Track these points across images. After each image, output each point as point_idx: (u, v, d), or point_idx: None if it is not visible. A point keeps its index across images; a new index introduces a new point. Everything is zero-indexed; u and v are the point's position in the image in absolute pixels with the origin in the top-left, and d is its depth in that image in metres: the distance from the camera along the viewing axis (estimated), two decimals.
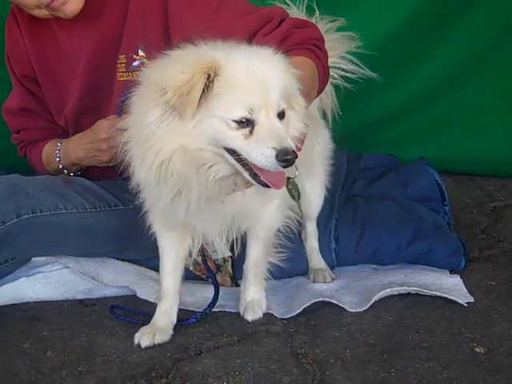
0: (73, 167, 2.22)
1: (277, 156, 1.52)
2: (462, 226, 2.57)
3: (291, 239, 2.05)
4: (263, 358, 1.76)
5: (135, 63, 2.05)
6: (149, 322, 1.90)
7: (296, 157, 1.54)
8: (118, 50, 2.03)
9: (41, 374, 1.71)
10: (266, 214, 1.90)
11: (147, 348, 1.82)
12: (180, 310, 1.99)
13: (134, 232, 2.07)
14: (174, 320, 1.92)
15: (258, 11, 1.99)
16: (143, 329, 1.87)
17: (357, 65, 2.33)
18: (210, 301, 1.98)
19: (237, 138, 1.56)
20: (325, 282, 2.16)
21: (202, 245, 2.03)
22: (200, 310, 1.97)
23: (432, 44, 3.01)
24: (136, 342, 1.83)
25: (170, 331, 1.88)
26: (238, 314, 1.99)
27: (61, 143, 2.22)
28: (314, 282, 2.17)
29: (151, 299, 2.02)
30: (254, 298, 1.97)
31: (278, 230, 1.99)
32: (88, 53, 2.09)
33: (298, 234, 2.20)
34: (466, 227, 2.57)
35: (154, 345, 1.83)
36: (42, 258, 2.16)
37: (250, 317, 1.95)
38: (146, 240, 1.99)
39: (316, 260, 2.23)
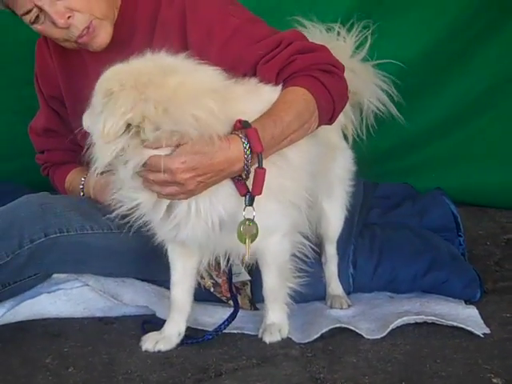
0: None
1: None
2: (475, 257, 2.60)
3: (310, 263, 2.07)
4: (283, 381, 1.77)
5: None
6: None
7: None
8: None
9: None
10: (270, 247, 1.93)
11: (168, 368, 1.84)
12: (199, 331, 2.03)
13: (154, 255, 2.09)
14: (182, 330, 1.96)
15: (271, 36, 1.96)
16: (151, 334, 1.94)
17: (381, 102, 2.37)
18: (225, 318, 2.00)
19: None
20: (341, 309, 2.18)
21: (230, 266, 2.10)
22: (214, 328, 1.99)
23: (450, 74, 3.07)
24: (142, 345, 1.93)
25: (175, 340, 1.94)
26: (257, 336, 2.01)
27: (84, 178, 2.23)
28: (331, 307, 2.20)
29: None
30: (275, 322, 1.99)
31: (294, 255, 2.02)
32: None
33: (318, 256, 2.24)
34: (479, 259, 2.59)
35: (158, 351, 1.91)
36: (63, 275, 2.19)
37: (267, 339, 1.96)
38: (165, 262, 2.04)
39: (334, 286, 2.26)
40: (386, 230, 2.44)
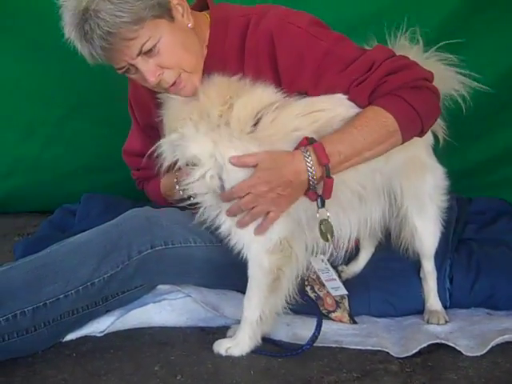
0: None
1: None
2: None
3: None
4: None
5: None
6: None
7: None
8: None
9: None
10: (251, 256, 2.01)
11: (271, 379, 1.90)
12: (299, 345, 2.07)
13: None
14: None
15: (361, 57, 2.01)
16: None
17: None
18: (311, 334, 2.04)
19: None
20: (438, 324, 2.19)
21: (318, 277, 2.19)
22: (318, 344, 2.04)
23: None
24: None
25: None
26: (355, 350, 2.05)
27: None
28: (428, 323, 2.21)
29: (272, 336, 2.12)
30: (236, 340, 2.05)
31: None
32: None
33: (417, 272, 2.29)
34: None
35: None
36: (167, 286, 2.29)
37: (215, 347, 2.04)
38: None
39: (432, 301, 2.27)
40: (484, 246, 2.44)
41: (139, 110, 2.44)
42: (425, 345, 2.02)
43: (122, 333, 2.19)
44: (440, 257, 2.30)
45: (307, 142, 1.90)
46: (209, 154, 1.96)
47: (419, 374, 1.92)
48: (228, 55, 2.14)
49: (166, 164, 2.07)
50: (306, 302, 2.19)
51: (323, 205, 1.93)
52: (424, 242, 2.25)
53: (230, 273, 2.22)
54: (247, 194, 1.92)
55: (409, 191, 2.16)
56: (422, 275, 2.30)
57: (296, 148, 1.92)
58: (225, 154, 1.94)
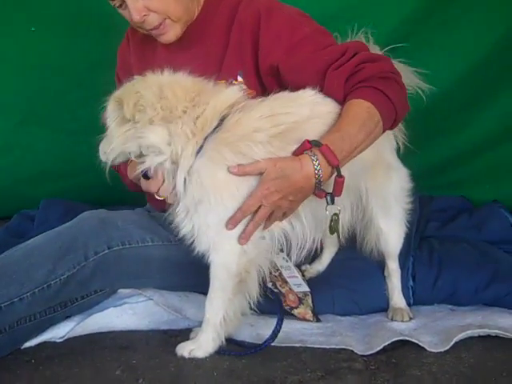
0: None
1: None
2: None
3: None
4: None
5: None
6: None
7: None
8: (218, 76, 2.09)
9: None
10: (217, 257, 1.96)
11: (235, 380, 1.88)
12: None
13: None
14: None
15: (336, 45, 2.10)
16: None
17: None
18: (272, 329, 2.03)
19: None
20: (402, 321, 2.19)
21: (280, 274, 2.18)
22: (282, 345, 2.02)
23: (501, 86, 3.04)
24: None
25: None
26: (319, 349, 2.04)
27: None
28: (392, 320, 2.21)
29: (235, 336, 2.09)
30: (198, 343, 2.01)
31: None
32: None
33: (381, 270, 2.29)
34: None
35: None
36: (128, 290, 2.25)
37: (178, 350, 2.00)
38: None
39: (397, 299, 2.27)
40: (445, 243, 2.46)
41: (122, 67, 2.45)
42: (389, 342, 2.02)
43: (82, 338, 2.14)
44: (403, 255, 2.31)
45: (311, 145, 1.87)
46: (166, 143, 1.91)
47: (383, 371, 1.92)
48: (217, 22, 2.22)
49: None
50: (268, 296, 2.16)
51: (333, 201, 1.91)
52: (389, 243, 2.26)
53: (190, 272, 2.19)
54: (260, 206, 1.89)
55: (375, 192, 2.17)
56: (386, 273, 2.30)
57: (299, 152, 1.88)
58: (179, 147, 1.90)
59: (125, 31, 2.48)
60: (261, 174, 1.87)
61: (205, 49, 2.23)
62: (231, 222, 1.90)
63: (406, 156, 2.80)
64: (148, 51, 2.35)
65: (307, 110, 1.94)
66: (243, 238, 1.92)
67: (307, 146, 1.87)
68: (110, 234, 2.13)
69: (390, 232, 2.22)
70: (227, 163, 1.87)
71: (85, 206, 2.91)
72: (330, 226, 1.97)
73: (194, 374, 1.92)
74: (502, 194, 2.85)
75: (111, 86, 2.52)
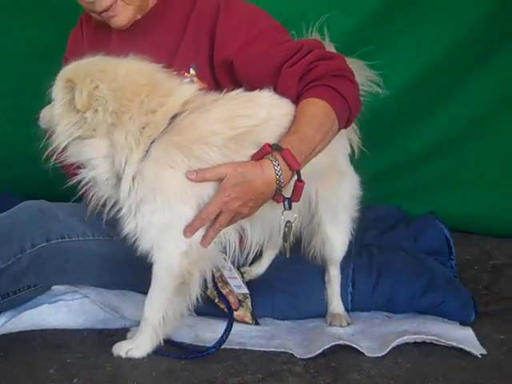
0: None
1: None
2: (464, 281, 2.63)
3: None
4: None
5: (185, 80, 2.07)
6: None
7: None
8: (170, 67, 2.04)
9: None
10: (159, 255, 1.91)
11: (173, 381, 1.84)
12: (202, 347, 2.03)
13: None
14: None
15: (291, 42, 2.10)
16: None
17: None
18: (219, 337, 2.00)
19: None
20: (341, 326, 2.21)
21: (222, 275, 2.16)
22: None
23: (440, 100, 3.13)
24: None
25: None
26: (259, 351, 2.03)
27: None
28: (331, 325, 2.22)
29: (173, 338, 2.05)
30: (135, 343, 1.96)
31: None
32: None
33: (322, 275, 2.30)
34: (469, 282, 2.64)
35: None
36: (63, 287, 2.18)
37: (115, 349, 1.96)
38: None
39: (336, 304, 2.28)
40: (384, 251, 2.49)
41: (77, 53, 2.23)
42: (328, 346, 2.03)
43: (13, 335, 2.05)
44: (343, 261, 2.32)
45: (271, 150, 1.84)
46: (103, 156, 1.87)
47: (323, 374, 1.92)
48: (174, 13, 2.19)
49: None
50: (210, 299, 2.16)
51: (290, 207, 1.89)
52: (334, 250, 2.25)
53: (130, 270, 2.14)
54: (220, 212, 1.85)
55: (324, 198, 2.14)
56: (326, 279, 2.31)
57: (259, 156, 1.84)
58: (122, 159, 1.85)
59: (77, 18, 2.41)
60: (220, 179, 1.83)
61: (159, 39, 2.19)
62: (189, 230, 1.86)
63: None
64: (101, 39, 2.29)
65: (264, 113, 1.91)
66: (204, 243, 1.89)
67: (268, 151, 1.84)
68: (50, 225, 2.06)
69: (335, 239, 2.22)
70: (175, 166, 1.83)
71: (21, 198, 2.78)
72: (284, 234, 1.95)
73: (132, 374, 1.88)
74: (437, 206, 2.92)
75: (53, 77, 2.46)
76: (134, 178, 1.85)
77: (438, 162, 3.19)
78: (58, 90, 1.89)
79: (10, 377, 1.82)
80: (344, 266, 2.33)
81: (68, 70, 1.91)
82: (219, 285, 2.19)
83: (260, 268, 2.41)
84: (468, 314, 2.27)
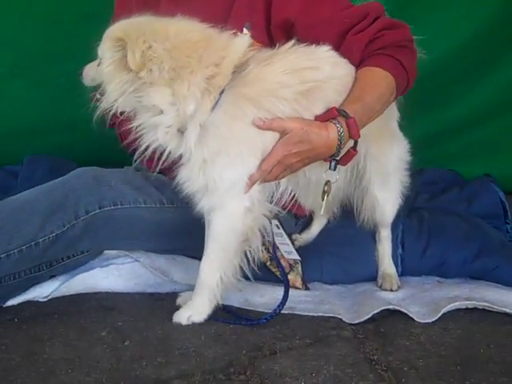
0: None
1: None
2: None
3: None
4: (337, 361, 1.78)
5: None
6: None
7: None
8: (223, 26, 1.96)
9: (122, 363, 1.75)
10: (220, 218, 1.90)
11: (222, 344, 1.86)
12: (250, 311, 2.05)
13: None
14: None
15: (356, 6, 2.05)
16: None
17: None
18: (280, 300, 2.00)
19: None
20: (391, 291, 2.19)
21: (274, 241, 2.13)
22: (270, 311, 2.01)
23: (496, 58, 3.05)
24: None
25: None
26: (308, 316, 2.03)
27: None
28: (381, 288, 2.20)
29: (223, 301, 2.04)
30: (194, 308, 1.97)
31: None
32: None
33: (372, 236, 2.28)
34: None
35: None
36: (114, 251, 2.22)
37: (174, 317, 1.96)
38: None
39: (387, 264, 2.27)
40: (435, 214, 2.45)
41: (122, 9, 2.31)
42: (377, 311, 2.01)
43: (67, 298, 2.11)
44: (393, 222, 2.29)
45: (338, 114, 1.86)
46: (169, 103, 1.83)
47: (372, 340, 1.91)
48: None
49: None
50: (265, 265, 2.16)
51: (335, 168, 1.92)
52: (384, 214, 2.23)
53: (180, 236, 2.17)
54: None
55: (374, 160, 2.11)
56: (376, 238, 2.29)
57: (324, 118, 1.86)
58: (186, 108, 1.81)
59: None
60: (285, 133, 1.84)
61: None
62: (250, 182, 1.87)
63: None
64: (151, 3, 2.22)
65: (329, 67, 1.90)
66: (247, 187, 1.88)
67: (334, 114, 1.86)
68: (103, 193, 2.08)
69: (385, 203, 2.19)
70: (247, 119, 1.82)
71: (71, 163, 2.85)
72: (323, 192, 1.97)
73: (181, 337, 1.90)
74: (492, 169, 2.85)
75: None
76: (206, 128, 1.82)
77: (492, 124, 3.10)
78: (106, 49, 1.85)
79: (64, 339, 1.86)
80: (393, 227, 2.29)
81: (117, 29, 1.86)
82: (270, 249, 2.19)
83: (310, 235, 2.41)
84: None
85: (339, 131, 1.84)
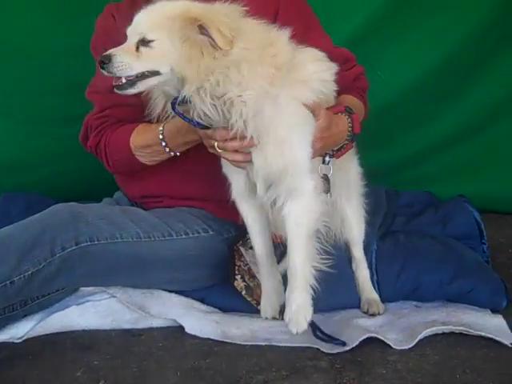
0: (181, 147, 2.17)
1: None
2: (498, 265, 2.56)
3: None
4: None
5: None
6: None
7: (105, 62, 1.77)
8: None
9: None
10: (305, 186, 1.92)
11: (198, 380, 1.85)
12: (227, 344, 2.04)
13: (183, 262, 2.19)
14: (280, 277, 2.09)
15: (340, 48, 2.32)
16: (264, 301, 2.09)
17: None
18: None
19: None
20: (379, 314, 2.19)
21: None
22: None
23: (468, 82, 3.06)
24: (262, 315, 2.10)
25: (281, 289, 2.06)
26: (285, 347, 2.02)
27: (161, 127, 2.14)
28: (368, 313, 2.20)
29: (200, 334, 2.07)
30: (299, 304, 1.92)
31: (319, 232, 2.00)
32: None
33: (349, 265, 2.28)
34: (502, 267, 2.56)
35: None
36: (90, 288, 2.21)
37: (294, 329, 1.91)
38: (196, 271, 2.17)
39: (369, 290, 2.27)
40: (410, 237, 2.45)
41: (110, 41, 2.17)
42: (356, 343, 1.99)
43: (42, 338, 2.10)
44: (365, 250, 2.30)
45: (345, 109, 2.05)
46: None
47: (349, 369, 1.91)
48: None
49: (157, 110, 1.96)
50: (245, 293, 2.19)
51: (329, 162, 2.01)
52: (353, 228, 2.25)
53: (157, 270, 2.17)
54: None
55: (339, 176, 2.13)
56: (354, 267, 2.29)
57: (334, 111, 2.01)
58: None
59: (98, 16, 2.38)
60: (318, 118, 1.91)
61: None
62: None
63: (374, 149, 2.82)
64: None
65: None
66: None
67: (342, 109, 2.04)
68: (79, 229, 2.08)
69: (352, 216, 2.22)
70: (303, 98, 1.89)
71: (48, 200, 2.83)
72: (326, 187, 2.00)
73: (157, 374, 1.90)
74: (466, 190, 2.86)
75: (81, 75, 2.46)
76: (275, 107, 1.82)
77: (467, 144, 3.11)
78: (177, 29, 1.75)
79: (38, 381, 1.86)
80: (366, 253, 2.30)
81: (184, 10, 1.78)
82: (246, 277, 2.19)
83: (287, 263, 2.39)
84: (499, 301, 2.21)
85: (349, 123, 2.02)
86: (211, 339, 2.07)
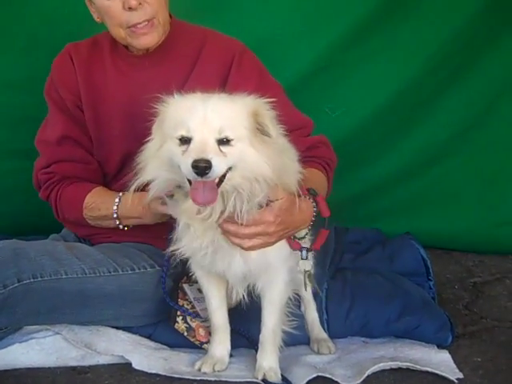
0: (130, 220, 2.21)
1: (192, 164, 1.68)
2: (444, 301, 2.64)
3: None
4: None
5: None
6: None
7: (208, 167, 1.68)
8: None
9: None
10: (279, 283, 2.01)
11: None
12: (175, 379, 2.01)
13: (130, 298, 2.17)
14: (229, 348, 2.11)
15: (298, 112, 2.33)
16: (204, 358, 2.07)
17: None
18: None
19: (178, 154, 1.76)
20: (330, 353, 2.20)
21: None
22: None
23: (415, 121, 3.15)
24: (196, 368, 2.05)
25: (227, 359, 2.09)
26: (234, 383, 2.01)
27: (118, 198, 2.20)
28: (319, 353, 2.21)
29: (147, 369, 2.04)
30: (272, 366, 2.02)
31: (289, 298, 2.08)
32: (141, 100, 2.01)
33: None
34: (449, 302, 2.64)
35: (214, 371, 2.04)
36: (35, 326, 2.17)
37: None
38: (142, 306, 2.16)
39: (318, 330, 2.28)
40: (358, 275, 2.49)
41: (67, 90, 2.32)
42: (304, 382, 2.00)
43: None
44: (319, 285, 2.30)
45: (308, 192, 1.98)
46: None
47: None
48: (185, 49, 2.29)
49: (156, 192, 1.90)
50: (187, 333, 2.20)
51: (307, 257, 2.01)
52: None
53: (102, 305, 2.14)
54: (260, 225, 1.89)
55: None
56: (302, 309, 2.30)
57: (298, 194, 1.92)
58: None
59: (50, 51, 2.40)
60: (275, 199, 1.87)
61: (165, 72, 2.26)
62: None
63: None
64: (97, 73, 2.30)
65: None
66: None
67: (305, 192, 1.96)
68: (22, 266, 2.04)
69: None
70: None
71: None
72: (305, 283, 2.06)
73: None
74: (413, 227, 2.92)
75: (29, 109, 2.43)
76: None
77: (415, 182, 3.18)
78: (242, 118, 1.80)
79: None
80: (316, 294, 2.31)
81: (247, 104, 1.84)
82: (188, 318, 2.18)
83: (231, 299, 2.38)
84: (445, 337, 2.25)
85: (314, 207, 1.97)
86: (159, 375, 2.04)
